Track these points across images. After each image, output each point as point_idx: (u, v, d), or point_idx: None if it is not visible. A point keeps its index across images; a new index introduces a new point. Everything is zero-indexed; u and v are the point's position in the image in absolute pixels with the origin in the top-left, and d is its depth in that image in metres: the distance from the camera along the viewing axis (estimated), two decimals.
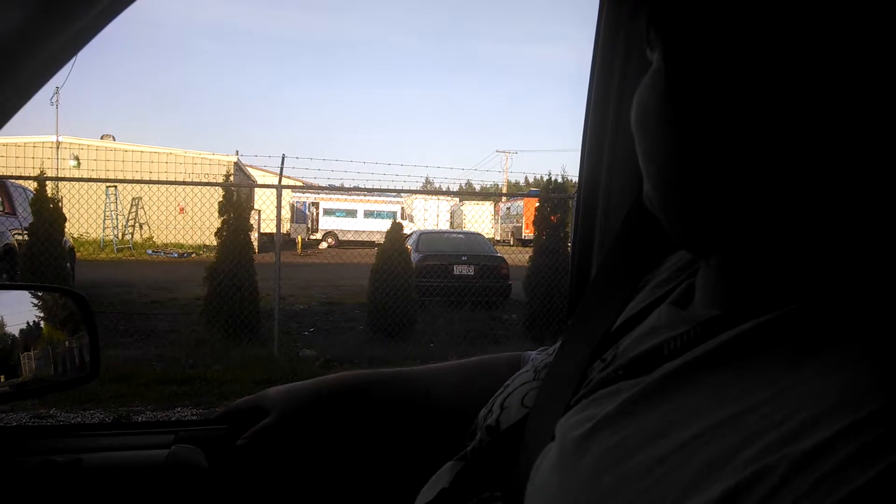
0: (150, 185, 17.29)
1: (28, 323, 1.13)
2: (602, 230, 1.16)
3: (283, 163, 9.24)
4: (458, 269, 11.80)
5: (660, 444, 0.46)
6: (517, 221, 32.77)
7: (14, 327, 1.10)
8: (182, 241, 20.63)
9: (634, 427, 0.50)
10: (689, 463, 0.43)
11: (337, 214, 32.28)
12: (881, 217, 0.47)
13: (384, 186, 15.91)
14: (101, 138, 27.80)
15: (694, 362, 0.50)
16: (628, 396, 0.53)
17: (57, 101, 27.50)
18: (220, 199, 8.79)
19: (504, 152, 50.13)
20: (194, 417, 5.33)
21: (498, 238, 33.58)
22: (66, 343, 1.17)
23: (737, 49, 0.46)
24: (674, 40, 0.50)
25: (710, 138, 0.49)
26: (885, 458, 0.35)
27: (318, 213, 32.83)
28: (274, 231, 9.48)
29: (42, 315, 1.17)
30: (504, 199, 35.73)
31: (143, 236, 22.82)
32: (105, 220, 20.95)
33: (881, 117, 0.44)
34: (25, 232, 8.61)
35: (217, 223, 8.77)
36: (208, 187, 10.56)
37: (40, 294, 1.22)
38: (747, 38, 0.46)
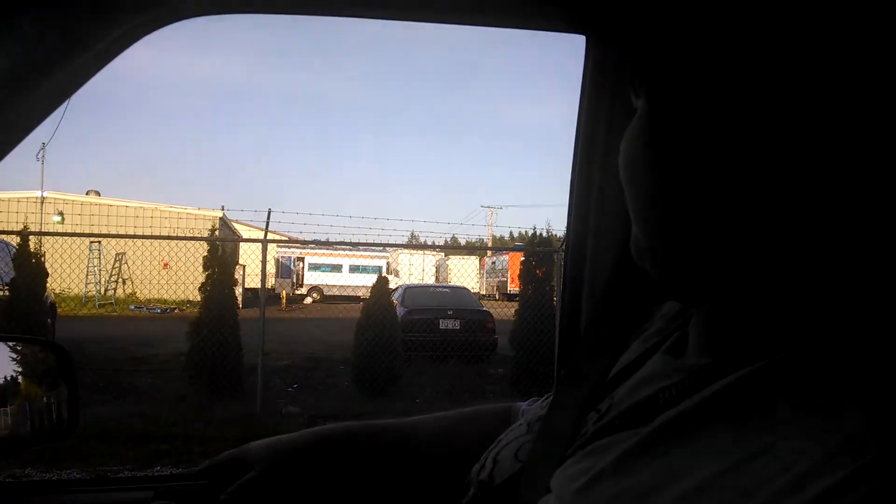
0: (135, 241, 17.25)
1: (5, 377, 1.10)
2: (591, 278, 1.16)
3: (268, 217, 9.26)
4: (444, 324, 11.77)
5: (660, 496, 0.46)
6: (502, 276, 32.85)
7: None
8: (165, 297, 20.48)
9: (633, 479, 0.49)
10: None
11: (322, 269, 32.23)
12: (867, 264, 0.47)
13: (369, 241, 15.95)
14: (87, 193, 27.76)
15: (689, 413, 0.50)
16: (626, 448, 0.52)
17: (43, 156, 27.53)
18: (205, 253, 8.77)
19: (489, 207, 50.67)
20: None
21: (483, 292, 33.59)
22: (44, 398, 1.14)
23: (720, 96, 0.47)
24: (658, 86, 0.51)
25: (694, 182, 0.49)
26: None
27: (303, 268, 32.79)
28: (258, 286, 9.45)
29: (20, 370, 1.14)
30: (489, 253, 35.87)
31: (126, 292, 22.63)
32: (88, 275, 20.78)
33: (864, 171, 0.45)
34: (6, 287, 8.52)
35: (201, 278, 8.73)
36: (193, 242, 10.54)
37: (19, 348, 1.19)
38: (731, 83, 0.47)
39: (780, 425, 0.43)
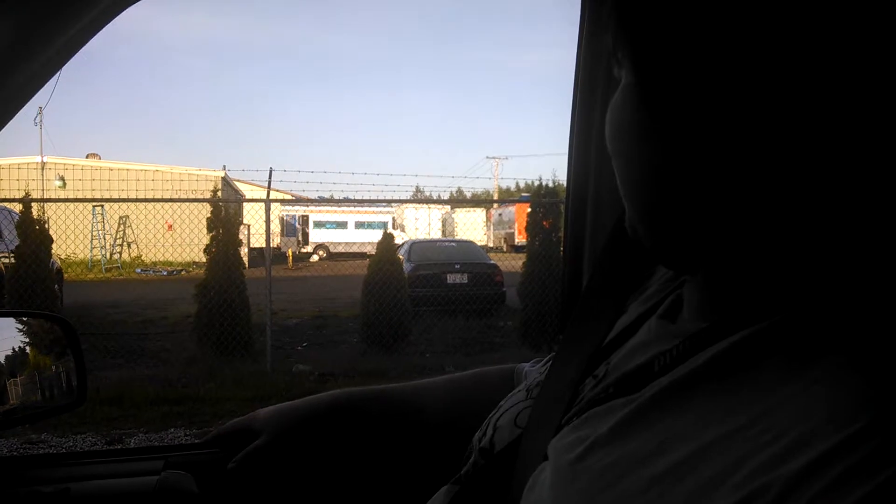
0: (138, 203, 17.28)
1: (14, 349, 1.12)
2: (592, 235, 1.16)
3: (270, 176, 9.28)
4: (452, 278, 11.83)
5: (653, 465, 0.46)
6: (509, 228, 32.88)
7: (0, 354, 1.09)
8: (171, 259, 20.58)
9: (627, 447, 0.49)
10: (684, 483, 0.43)
11: (327, 226, 32.28)
12: (864, 227, 0.46)
13: (374, 197, 15.95)
14: (87, 157, 27.72)
15: (683, 379, 0.50)
16: (621, 416, 0.52)
17: (41, 120, 27.48)
18: (209, 214, 8.78)
19: (494, 158, 50.40)
20: (187, 438, 5.30)
21: (491, 245, 33.65)
22: (53, 368, 1.15)
23: (709, 58, 0.45)
24: (644, 54, 0.49)
25: (687, 150, 0.47)
26: (879, 475, 0.35)
27: (308, 226, 32.82)
28: (264, 245, 9.48)
29: (28, 340, 1.15)
30: (495, 205, 35.81)
31: (132, 255, 22.76)
32: (93, 239, 20.88)
33: (858, 132, 0.44)
34: (12, 255, 8.57)
35: (206, 239, 8.75)
36: (196, 203, 10.54)
37: (25, 320, 1.20)
38: (719, 46, 0.45)
39: (776, 390, 0.43)
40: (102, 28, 0.82)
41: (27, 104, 0.84)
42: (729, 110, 0.45)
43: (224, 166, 24.77)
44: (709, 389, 0.47)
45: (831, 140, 0.44)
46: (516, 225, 29.73)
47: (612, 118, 0.54)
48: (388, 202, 23.12)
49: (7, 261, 8.88)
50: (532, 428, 0.68)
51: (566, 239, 1.22)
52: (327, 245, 31.70)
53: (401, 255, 10.63)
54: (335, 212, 32.13)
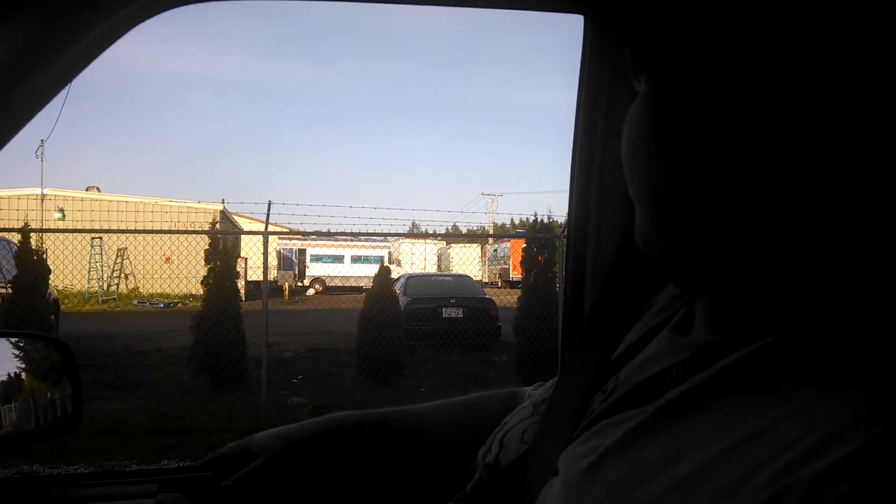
0: (136, 235, 17.27)
1: (9, 374, 1.10)
2: (594, 260, 1.16)
3: (269, 209, 9.26)
4: (447, 312, 11.80)
5: (669, 473, 0.45)
6: (504, 263, 32.87)
7: None
8: (168, 291, 20.49)
9: (641, 456, 0.49)
10: (702, 489, 0.42)
11: (324, 260, 32.18)
12: (874, 244, 0.47)
13: (371, 231, 15.95)
14: (87, 189, 27.75)
15: (696, 389, 0.50)
16: (633, 425, 0.52)
17: (42, 153, 27.52)
18: (207, 247, 8.77)
19: (489, 195, 50.63)
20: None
21: (486, 280, 33.61)
22: (48, 394, 1.14)
23: (724, 74, 0.46)
24: (660, 67, 0.50)
25: (698, 159, 0.48)
26: None
27: (305, 260, 32.75)
28: (261, 279, 9.46)
29: (23, 366, 1.14)
30: (491, 240, 35.85)
31: (129, 287, 22.67)
32: (90, 271, 20.81)
33: (869, 153, 0.44)
34: (9, 285, 8.53)
35: (203, 272, 8.74)
36: (194, 236, 10.52)
37: (22, 344, 1.19)
38: (735, 61, 0.46)
39: (787, 402, 0.43)
40: (101, 54, 0.82)
41: (30, 130, 0.84)
42: (738, 122, 0.45)
43: (223, 199, 24.82)
44: (721, 399, 0.47)
45: (844, 161, 0.44)
46: (511, 260, 29.69)
47: (628, 129, 0.54)
48: (385, 236, 23.08)
49: (4, 291, 8.84)
50: (540, 443, 0.68)
51: (568, 263, 1.22)
52: (324, 279, 31.59)
53: (397, 288, 10.61)
54: (332, 246, 32.05)
